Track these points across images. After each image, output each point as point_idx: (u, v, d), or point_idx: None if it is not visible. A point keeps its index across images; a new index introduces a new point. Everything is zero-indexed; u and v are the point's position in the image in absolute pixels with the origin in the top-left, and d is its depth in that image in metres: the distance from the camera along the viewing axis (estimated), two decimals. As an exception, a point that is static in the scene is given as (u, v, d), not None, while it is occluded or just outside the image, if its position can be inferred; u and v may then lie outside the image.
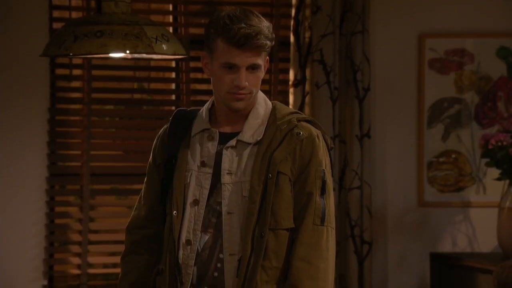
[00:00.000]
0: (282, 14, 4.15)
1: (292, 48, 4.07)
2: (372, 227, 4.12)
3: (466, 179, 4.25)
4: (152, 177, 2.40)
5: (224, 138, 2.31)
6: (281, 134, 2.27)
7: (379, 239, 4.20)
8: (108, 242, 4.10)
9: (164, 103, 4.24)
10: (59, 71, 4.04)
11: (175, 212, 2.29)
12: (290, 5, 4.09)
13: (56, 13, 3.97)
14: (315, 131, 2.29)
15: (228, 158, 2.29)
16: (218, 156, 2.30)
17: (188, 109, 2.43)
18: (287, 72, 4.12)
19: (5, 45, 3.90)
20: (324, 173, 2.27)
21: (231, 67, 2.25)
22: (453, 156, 4.25)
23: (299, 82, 4.08)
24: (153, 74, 4.25)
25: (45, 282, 4.01)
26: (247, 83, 2.25)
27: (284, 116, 2.30)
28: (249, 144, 2.28)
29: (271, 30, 2.26)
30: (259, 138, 2.28)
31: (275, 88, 4.19)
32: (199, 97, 4.20)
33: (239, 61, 2.23)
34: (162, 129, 2.43)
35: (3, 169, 3.91)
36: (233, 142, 2.29)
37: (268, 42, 2.25)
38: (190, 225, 2.28)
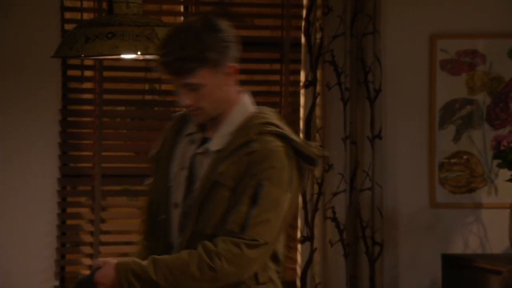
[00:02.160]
0: (293, 15, 4.17)
1: (303, 49, 4.08)
2: (383, 228, 4.13)
3: (478, 180, 4.25)
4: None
5: (205, 143, 2.33)
6: (235, 145, 2.25)
7: (391, 240, 4.20)
8: (120, 243, 4.11)
9: (175, 104, 4.25)
10: (71, 72, 4.07)
11: (163, 216, 2.30)
12: (301, 6, 4.10)
13: (67, 15, 4.00)
14: (275, 145, 2.22)
15: (198, 164, 2.30)
16: (194, 160, 2.31)
17: (183, 112, 2.44)
18: (298, 73, 4.13)
19: (17, 46, 3.92)
20: (263, 185, 2.19)
21: (176, 87, 2.29)
22: (465, 157, 4.24)
23: (310, 83, 4.09)
24: (164, 75, 4.26)
25: (57, 283, 4.03)
26: (188, 101, 2.26)
27: (251, 127, 2.26)
28: (212, 152, 2.28)
29: (203, 47, 2.20)
30: (219, 147, 2.27)
31: (286, 89, 4.20)
32: (210, 98, 4.21)
33: (173, 81, 2.27)
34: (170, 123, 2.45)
35: (15, 170, 3.93)
36: (201, 149, 2.31)
37: (195, 64, 2.20)
38: (175, 228, 2.30)
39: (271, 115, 2.31)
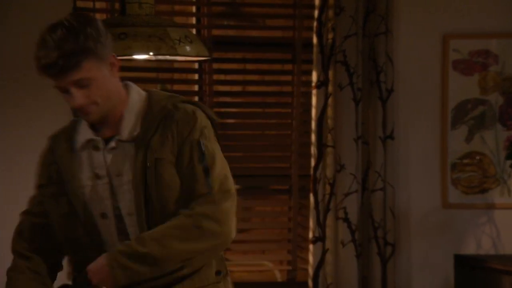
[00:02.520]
0: (305, 15, 4.16)
1: (315, 49, 4.08)
2: (395, 228, 4.12)
3: (491, 181, 4.24)
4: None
5: (109, 140, 2.26)
6: (156, 121, 2.22)
7: (403, 241, 4.19)
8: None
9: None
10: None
11: (88, 230, 2.24)
12: (313, 7, 4.10)
13: (80, 15, 4.00)
14: (190, 107, 2.25)
15: (113, 160, 2.23)
16: (106, 161, 2.24)
17: (60, 129, 2.37)
18: (310, 73, 4.13)
19: (29, 48, 3.92)
20: (202, 143, 2.21)
21: (62, 90, 2.19)
22: (477, 157, 4.23)
23: (322, 84, 4.09)
24: (176, 75, 4.27)
25: (70, 283, 4.03)
26: (81, 100, 2.18)
27: (159, 101, 2.25)
28: (128, 141, 2.23)
29: (82, 39, 2.14)
30: (135, 133, 2.23)
31: (297, 90, 4.20)
32: (222, 99, 4.22)
33: (60, 84, 2.18)
34: (44, 148, 2.38)
35: (26, 175, 3.94)
36: (112, 143, 2.24)
37: (78, 57, 2.14)
38: (109, 239, 2.24)
39: (160, 91, 2.32)
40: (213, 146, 2.24)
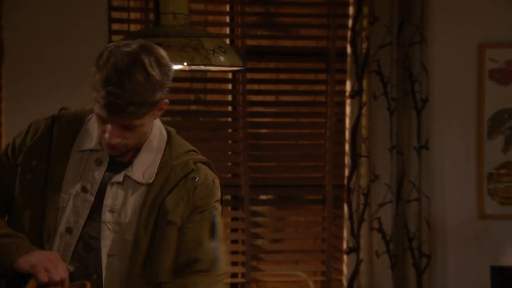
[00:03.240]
0: (339, 25, 4.15)
1: (348, 59, 4.07)
2: (430, 239, 4.08)
3: (528, 191, 4.19)
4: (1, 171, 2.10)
5: (114, 165, 2.09)
6: (175, 178, 2.07)
7: (438, 252, 4.15)
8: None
9: (221, 115, 4.27)
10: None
11: (46, 244, 2.05)
12: (347, 16, 4.09)
13: (115, 26, 4.03)
14: (210, 174, 2.13)
15: (112, 194, 2.07)
16: (103, 186, 2.07)
17: (76, 111, 2.18)
18: (344, 83, 4.12)
19: (65, 59, 3.96)
20: (214, 215, 2.10)
21: (104, 121, 2.03)
22: (514, 167, 4.19)
23: (356, 93, 4.07)
24: (209, 85, 4.28)
25: None
26: (117, 140, 2.03)
27: (180, 155, 2.10)
28: (138, 183, 2.07)
29: (155, 89, 1.99)
30: (150, 181, 2.07)
31: (331, 99, 4.18)
32: (255, 109, 4.22)
33: (108, 119, 2.02)
34: (43, 121, 2.16)
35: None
36: (119, 177, 2.08)
37: (147, 109, 1.99)
38: (60, 255, 2.06)
39: (178, 136, 2.18)
40: (220, 221, 2.12)
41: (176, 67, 3.10)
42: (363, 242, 4.06)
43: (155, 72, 2.00)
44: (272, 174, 4.19)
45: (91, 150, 2.10)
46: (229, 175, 4.19)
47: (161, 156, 2.10)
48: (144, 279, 2.04)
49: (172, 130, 2.20)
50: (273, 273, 4.22)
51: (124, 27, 4.05)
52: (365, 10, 4.05)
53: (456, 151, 4.18)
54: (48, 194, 2.07)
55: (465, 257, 4.18)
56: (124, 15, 4.05)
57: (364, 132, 4.07)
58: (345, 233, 4.08)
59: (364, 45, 4.06)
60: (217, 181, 2.14)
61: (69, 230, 2.07)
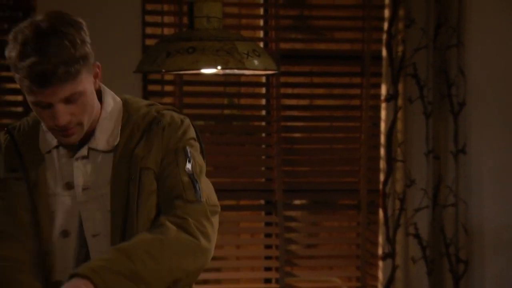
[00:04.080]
0: (374, 27, 4.12)
1: (384, 62, 4.04)
2: (468, 245, 4.03)
3: None
4: None
5: (79, 148, 1.99)
6: (140, 130, 2.00)
7: (476, 258, 4.10)
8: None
9: (254, 119, 4.25)
10: (151, 87, 4.10)
11: (46, 256, 1.94)
12: (382, 19, 4.06)
13: (149, 30, 4.04)
14: (177, 116, 2.05)
15: (81, 171, 1.97)
16: (77, 172, 1.98)
17: (27, 118, 2.08)
18: (379, 86, 4.08)
19: (99, 62, 3.96)
20: (188, 151, 2.00)
21: (43, 106, 1.90)
22: (553, 172, 4.12)
23: (391, 97, 4.04)
24: (243, 89, 4.26)
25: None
26: (69, 117, 1.91)
27: (139, 109, 2.04)
28: (104, 152, 1.98)
29: (77, 42, 1.89)
30: (115, 143, 1.99)
31: (366, 103, 4.15)
32: (289, 112, 4.20)
33: (47, 99, 1.88)
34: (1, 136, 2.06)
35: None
36: (84, 151, 1.98)
37: (77, 67, 1.88)
38: (62, 263, 1.96)
39: (137, 98, 2.11)
40: (200, 159, 2.04)
41: (210, 71, 3.10)
42: (399, 247, 4.02)
43: (67, 29, 1.89)
44: (306, 178, 4.17)
45: (57, 147, 2.01)
46: (263, 180, 4.17)
47: (121, 118, 2.02)
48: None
49: (126, 95, 2.11)
50: (307, 279, 4.20)
51: (158, 31, 4.05)
52: (401, 12, 4.01)
53: (494, 155, 4.13)
54: (36, 202, 1.97)
55: (504, 263, 4.12)
56: (158, 18, 4.05)
57: (399, 136, 4.04)
58: (381, 239, 4.04)
59: (400, 48, 4.02)
60: (187, 121, 2.06)
61: (65, 233, 1.97)
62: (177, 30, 4.02)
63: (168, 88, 4.14)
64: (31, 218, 1.96)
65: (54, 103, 1.90)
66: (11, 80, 3.97)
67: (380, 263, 4.05)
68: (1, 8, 3.86)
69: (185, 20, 3.95)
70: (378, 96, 4.11)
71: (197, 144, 2.06)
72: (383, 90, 4.06)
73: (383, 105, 4.07)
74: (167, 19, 4.07)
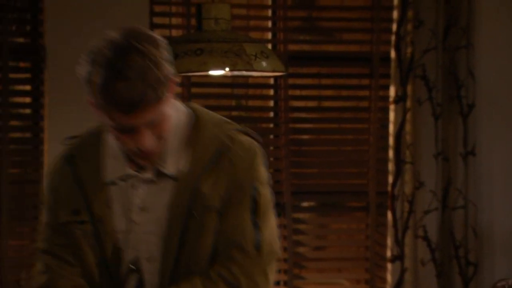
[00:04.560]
0: (383, 29, 4.12)
1: (393, 64, 4.03)
2: (477, 248, 4.02)
3: None
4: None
5: (145, 168, 1.88)
6: (207, 155, 1.86)
7: (486, 261, 4.09)
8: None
9: (262, 121, 4.25)
10: (159, 89, 4.09)
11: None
12: (391, 20, 4.05)
13: (157, 32, 4.01)
14: (248, 142, 1.91)
15: (143, 192, 1.87)
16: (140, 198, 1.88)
17: (83, 138, 1.94)
18: (388, 88, 4.08)
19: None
20: (256, 189, 1.89)
21: (125, 130, 1.80)
22: None
23: (400, 99, 4.03)
24: (251, 91, 4.26)
25: None
26: (153, 139, 1.81)
27: (208, 127, 1.89)
28: (172, 177, 1.86)
29: (160, 62, 1.79)
30: (180, 167, 1.86)
31: (375, 105, 4.15)
32: (297, 114, 4.19)
33: (130, 123, 1.79)
34: (58, 168, 1.92)
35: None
36: (150, 175, 1.87)
37: (162, 89, 1.77)
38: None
39: (206, 111, 1.96)
40: (267, 191, 1.92)
41: (218, 72, 3.10)
42: (407, 250, 4.01)
43: (149, 49, 1.79)
44: (314, 180, 4.16)
45: (124, 177, 1.88)
46: (271, 182, 4.16)
47: (188, 134, 1.88)
48: (186, 272, 1.85)
49: (195, 105, 1.98)
50: (315, 281, 4.19)
51: (166, 32, 4.05)
52: (410, 14, 4.01)
53: (503, 157, 4.12)
54: (102, 239, 1.87)
55: (513, 266, 4.11)
56: (166, 20, 4.05)
57: (408, 138, 4.03)
58: (389, 241, 4.03)
59: (409, 50, 4.02)
60: (257, 147, 1.92)
61: (134, 269, 1.90)
62: (185, 31, 4.03)
63: (176, 90, 4.13)
64: (98, 258, 1.88)
65: (138, 126, 1.79)
66: (20, 81, 4.01)
67: (389, 266, 4.04)
68: (9, 10, 3.87)
69: (193, 22, 3.95)
70: (386, 97, 4.11)
71: (265, 175, 1.93)
72: (392, 91, 4.06)
73: (392, 106, 4.06)
74: (175, 21, 4.07)
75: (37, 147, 3.92)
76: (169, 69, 1.82)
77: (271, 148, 4.19)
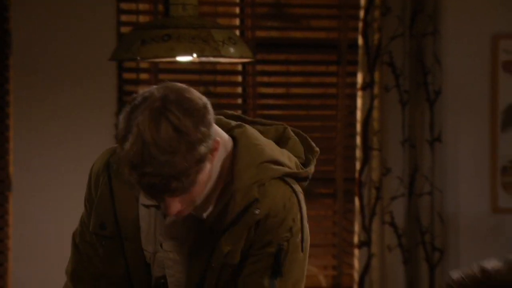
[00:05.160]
0: (350, 16, 4.15)
1: (360, 50, 4.06)
2: (443, 233, 4.08)
3: (542, 185, 4.17)
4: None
5: None
6: (234, 211, 1.74)
7: (451, 246, 4.15)
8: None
9: (231, 107, 4.26)
10: (127, 76, 4.10)
11: None
12: (358, 7, 4.08)
13: (124, 18, 4.04)
14: (284, 195, 1.76)
15: (171, 220, 1.78)
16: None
17: (115, 160, 1.82)
18: (355, 75, 4.11)
19: (74, 50, 3.97)
20: (281, 249, 1.75)
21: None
22: (529, 161, 4.17)
23: (368, 85, 4.07)
24: (219, 77, 4.27)
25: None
26: (179, 207, 1.68)
27: (245, 172, 1.74)
28: (198, 218, 1.78)
29: (196, 143, 1.63)
30: (207, 212, 1.76)
31: (342, 92, 4.18)
32: (265, 101, 4.21)
33: (154, 200, 1.71)
34: (102, 171, 1.84)
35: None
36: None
37: (192, 176, 1.63)
38: None
39: (253, 143, 1.77)
40: (298, 255, 1.77)
41: (186, 58, 3.10)
42: (374, 236, 4.06)
43: (186, 127, 1.62)
44: (282, 167, 4.18)
45: (156, 206, 1.77)
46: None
47: (224, 181, 1.75)
48: None
49: (241, 132, 1.78)
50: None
51: (133, 18, 4.05)
52: (377, 0, 4.04)
53: (469, 144, 4.17)
54: (128, 255, 1.82)
55: (479, 252, 4.16)
56: (133, 6, 4.05)
57: (375, 125, 4.07)
58: (357, 227, 4.08)
59: (376, 36, 4.05)
60: (295, 198, 1.77)
61: (163, 282, 1.84)
62: (153, 17, 4.02)
63: (144, 76, 4.14)
64: (125, 269, 1.83)
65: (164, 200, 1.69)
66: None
67: (356, 252, 4.08)
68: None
69: (161, 7, 3.95)
70: (354, 84, 4.14)
71: (295, 233, 1.77)
72: (359, 78, 4.09)
73: (359, 93, 4.10)
74: (142, 6, 4.07)
75: (3, 133, 3.91)
76: (207, 147, 1.65)
77: (239, 134, 4.21)
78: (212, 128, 1.68)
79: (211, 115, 1.70)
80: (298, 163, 1.85)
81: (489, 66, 4.17)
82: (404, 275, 4.04)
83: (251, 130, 1.81)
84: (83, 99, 4.01)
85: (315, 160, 1.88)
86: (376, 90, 4.08)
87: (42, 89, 3.95)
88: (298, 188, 1.83)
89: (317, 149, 1.90)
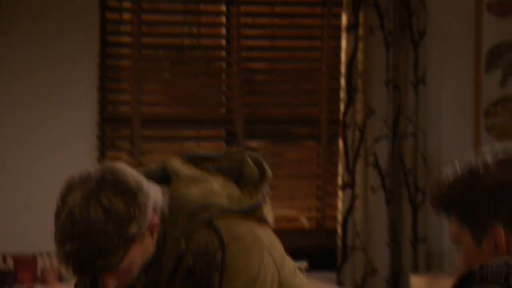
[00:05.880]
0: (335, -44, 4.13)
1: (345, -9, 4.06)
2: (427, 175, 4.13)
3: (525, 126, 4.21)
4: None
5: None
6: (167, 267, 1.79)
7: (434, 187, 4.19)
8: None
9: (214, 49, 4.27)
10: (109, 15, 4.09)
11: None
12: None
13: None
14: (206, 244, 1.77)
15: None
16: None
17: None
18: (340, 17, 4.12)
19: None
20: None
21: None
22: (512, 102, 4.21)
23: (352, 27, 4.08)
24: (203, 19, 4.26)
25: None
26: (115, 284, 1.75)
27: (176, 231, 1.78)
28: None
29: (126, 223, 1.69)
30: (151, 277, 1.83)
31: (327, 34, 4.19)
32: (250, 42, 4.22)
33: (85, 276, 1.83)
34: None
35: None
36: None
37: (121, 254, 1.71)
38: None
39: (187, 193, 1.79)
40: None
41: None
42: (358, 177, 4.10)
43: (116, 207, 1.69)
44: (266, 110, 4.21)
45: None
46: (224, 110, 4.21)
47: (157, 240, 1.79)
48: None
49: (177, 174, 1.84)
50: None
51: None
52: None
53: (453, 85, 4.20)
54: None
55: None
56: None
57: (360, 66, 4.09)
58: (340, 169, 4.12)
59: (361, -23, 4.05)
60: (219, 246, 1.77)
61: None
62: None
63: (127, 16, 4.13)
64: None
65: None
66: None
67: (340, 193, 4.13)
68: None
69: None
70: (338, 26, 4.15)
71: (232, 269, 1.76)
72: (344, 20, 4.10)
73: (344, 35, 4.11)
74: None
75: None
76: (139, 226, 1.72)
77: (223, 77, 4.22)
78: (146, 208, 1.72)
79: (146, 195, 1.73)
80: (247, 193, 1.87)
81: (473, 7, 4.18)
82: (387, 216, 4.10)
83: (177, 185, 1.83)
84: (66, 39, 3.99)
85: (265, 186, 1.90)
86: (360, 31, 4.09)
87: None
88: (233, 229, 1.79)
89: (269, 173, 1.91)
